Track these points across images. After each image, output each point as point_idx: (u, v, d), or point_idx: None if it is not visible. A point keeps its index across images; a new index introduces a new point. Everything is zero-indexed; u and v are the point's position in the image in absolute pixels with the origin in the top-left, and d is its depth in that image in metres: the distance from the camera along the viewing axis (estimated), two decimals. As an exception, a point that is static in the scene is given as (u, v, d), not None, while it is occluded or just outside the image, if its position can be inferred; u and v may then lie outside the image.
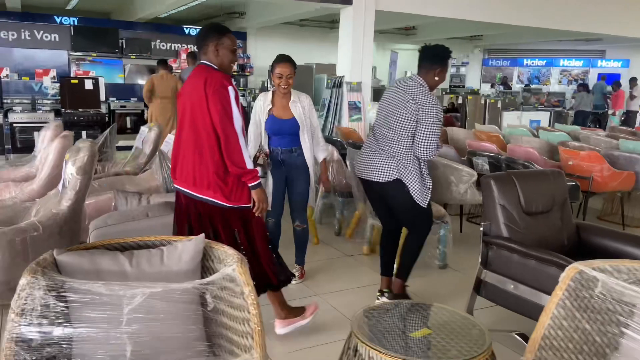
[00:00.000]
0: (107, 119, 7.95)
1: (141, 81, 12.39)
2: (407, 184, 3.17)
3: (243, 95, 14.79)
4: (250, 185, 2.68)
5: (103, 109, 8.33)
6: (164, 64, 7.83)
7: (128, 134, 9.42)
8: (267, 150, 3.58)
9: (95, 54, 12.17)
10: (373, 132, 3.45)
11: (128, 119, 9.43)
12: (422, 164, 3.24)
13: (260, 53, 15.00)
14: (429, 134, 3.12)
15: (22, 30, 11.93)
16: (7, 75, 8.52)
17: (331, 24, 15.66)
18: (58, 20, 12.17)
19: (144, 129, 4.95)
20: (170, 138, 5.05)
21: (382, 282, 3.55)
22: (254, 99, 14.09)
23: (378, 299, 3.48)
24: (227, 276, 1.71)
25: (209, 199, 2.67)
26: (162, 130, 4.91)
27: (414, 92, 3.17)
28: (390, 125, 3.23)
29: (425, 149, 3.14)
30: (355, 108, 9.51)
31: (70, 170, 3.03)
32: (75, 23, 12.28)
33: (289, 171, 3.63)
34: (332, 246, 4.85)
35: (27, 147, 7.27)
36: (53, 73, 9.13)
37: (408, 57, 17.39)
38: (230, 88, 2.66)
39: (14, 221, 3.29)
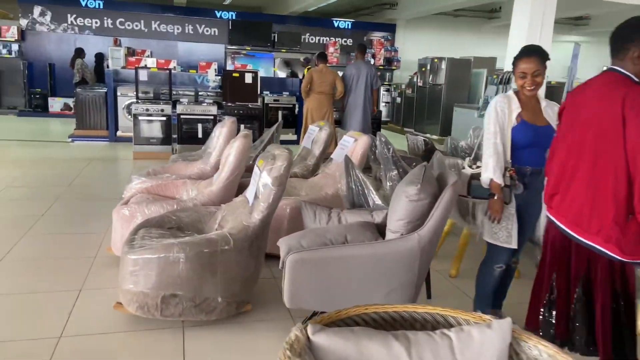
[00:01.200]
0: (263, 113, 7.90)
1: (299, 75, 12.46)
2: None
3: (388, 90, 14.25)
4: None
5: (258, 103, 8.31)
6: (323, 57, 7.52)
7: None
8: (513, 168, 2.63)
9: (249, 48, 12.43)
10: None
11: (280, 113, 9.36)
12: None
13: (409, 46, 14.30)
14: None
15: (186, 24, 12.60)
16: (174, 67, 8.87)
17: (489, 13, 14.42)
18: (218, 14, 12.62)
19: (313, 128, 4.59)
20: (312, 130, 4.63)
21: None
22: (399, 94, 13.50)
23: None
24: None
25: (598, 247, 2.06)
26: (332, 130, 4.50)
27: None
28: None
29: None
30: (525, 108, 8.44)
31: (265, 180, 2.68)
32: (234, 17, 12.63)
33: (527, 197, 2.67)
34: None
35: (191, 138, 7.44)
36: (215, 66, 9.38)
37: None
38: None
39: (198, 227, 3.07)
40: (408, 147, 5.92)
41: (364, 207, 2.98)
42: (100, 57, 11.03)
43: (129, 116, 8.70)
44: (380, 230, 2.58)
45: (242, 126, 7.67)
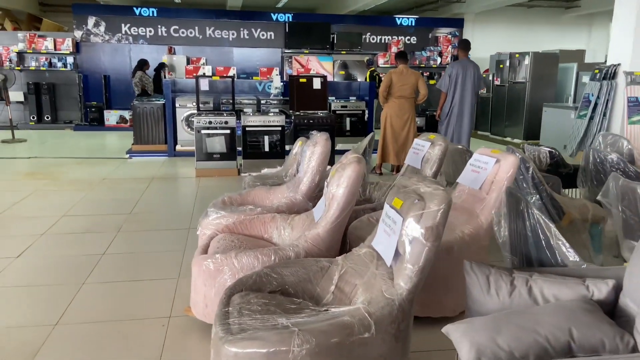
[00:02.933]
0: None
1: (360, 78, 11.60)
2: None
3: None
4: None
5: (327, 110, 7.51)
6: (403, 57, 6.63)
7: (347, 136, 8.54)
8: None
9: (307, 51, 11.71)
10: None
11: (348, 120, 8.54)
12: None
13: (478, 42, 13.16)
14: None
15: (242, 29, 12.00)
16: (234, 74, 8.22)
17: (567, 2, 13.09)
18: (274, 17, 11.96)
19: (422, 142, 3.70)
20: (420, 145, 3.73)
21: None
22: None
23: None
24: None
25: None
26: (446, 145, 3.62)
27: None
28: None
29: None
30: (636, 106, 7.24)
31: (414, 232, 1.84)
32: (290, 19, 11.94)
33: None
34: None
35: (257, 152, 6.72)
36: (276, 71, 8.68)
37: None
38: None
39: (308, 289, 2.26)
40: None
41: (546, 263, 2.08)
42: (160, 68, 10.57)
43: (188, 129, 8.12)
44: (607, 312, 1.67)
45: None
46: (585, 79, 9.21)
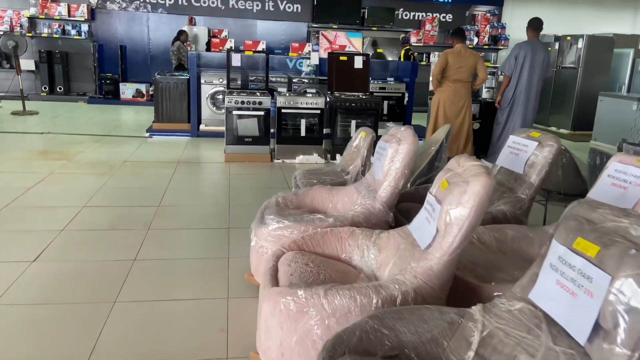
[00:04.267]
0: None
1: (390, 57, 10.84)
2: None
3: (493, 73, 12.37)
4: None
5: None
6: (460, 35, 5.89)
7: (383, 121, 7.86)
8: None
9: (335, 26, 10.92)
10: None
11: (386, 103, 7.85)
12: None
13: (517, 22, 12.32)
14: None
15: (266, 1, 11.23)
16: (264, 49, 7.51)
17: (616, -18, 12.18)
18: (302, -12, 11.18)
19: (525, 141, 3.02)
20: (519, 144, 3.08)
21: None
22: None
23: None
24: None
25: None
26: (559, 146, 2.94)
27: None
28: None
29: None
30: None
31: (637, 300, 1.22)
32: (319, -9, 11.13)
33: None
34: None
35: (293, 137, 6.08)
36: (309, 48, 7.97)
37: None
38: None
39: (432, 354, 1.65)
40: (589, 163, 4.25)
41: None
42: (177, 37, 9.87)
43: (214, 108, 7.47)
44: None
45: (353, 122, 6.25)
46: (643, 66, 8.46)
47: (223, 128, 6.07)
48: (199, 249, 3.49)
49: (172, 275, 3.05)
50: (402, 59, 10.12)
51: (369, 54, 6.77)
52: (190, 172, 5.54)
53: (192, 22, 10.87)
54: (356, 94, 6.49)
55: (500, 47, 12.00)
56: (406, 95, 7.91)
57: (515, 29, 12.27)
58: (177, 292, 2.83)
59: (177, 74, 7.98)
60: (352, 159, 3.66)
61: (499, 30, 11.95)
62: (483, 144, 6.37)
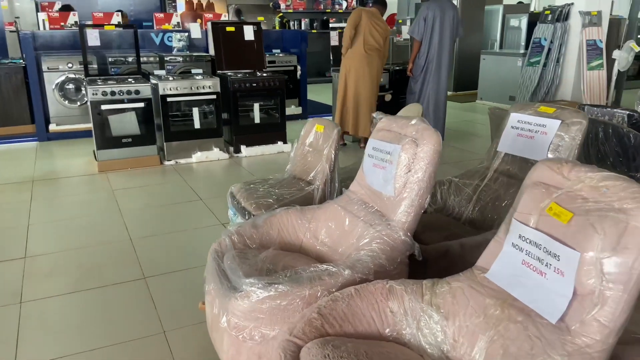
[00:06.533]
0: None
1: (264, 27, 9.69)
2: None
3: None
4: None
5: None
6: (381, 3, 5.17)
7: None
8: None
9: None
10: None
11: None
12: None
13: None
14: None
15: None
16: (128, 22, 6.02)
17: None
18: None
19: (540, 120, 2.38)
20: (532, 123, 2.53)
21: None
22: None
23: None
24: None
25: None
26: (587, 122, 2.34)
27: None
28: None
29: None
30: (595, 50, 6.74)
31: None
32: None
33: None
34: None
35: (183, 132, 4.90)
36: (177, 19, 6.61)
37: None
38: None
39: None
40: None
41: None
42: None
43: (65, 101, 5.86)
44: None
45: (256, 106, 5.24)
46: (514, 22, 8.63)
47: (82, 126, 4.71)
48: (112, 325, 2.33)
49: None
50: (277, 28, 9.19)
51: (259, 22, 5.72)
52: (54, 194, 4.10)
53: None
54: (251, 70, 5.46)
55: (369, 10, 11.62)
56: (299, 68, 7.04)
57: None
58: None
59: (6, 61, 6.11)
60: (309, 162, 2.75)
61: (367, -7, 11.54)
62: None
